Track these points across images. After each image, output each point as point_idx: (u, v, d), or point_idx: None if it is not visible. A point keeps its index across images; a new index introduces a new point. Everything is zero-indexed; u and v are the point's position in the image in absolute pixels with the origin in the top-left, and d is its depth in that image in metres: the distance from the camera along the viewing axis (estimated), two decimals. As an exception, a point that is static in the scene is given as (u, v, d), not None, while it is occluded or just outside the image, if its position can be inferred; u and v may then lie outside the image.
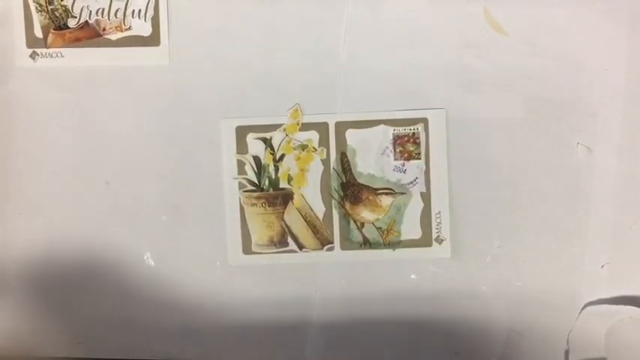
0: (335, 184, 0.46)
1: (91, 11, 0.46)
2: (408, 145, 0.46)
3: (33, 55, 0.46)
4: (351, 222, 0.46)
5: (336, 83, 0.46)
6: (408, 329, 0.46)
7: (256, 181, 0.46)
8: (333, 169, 0.46)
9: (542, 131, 0.46)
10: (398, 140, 0.46)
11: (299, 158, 0.46)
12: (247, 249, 0.46)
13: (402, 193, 0.46)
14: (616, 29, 0.46)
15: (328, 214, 0.46)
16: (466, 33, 0.46)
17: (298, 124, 0.46)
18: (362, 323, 0.46)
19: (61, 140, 0.46)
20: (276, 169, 0.46)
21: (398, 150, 0.46)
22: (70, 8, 0.46)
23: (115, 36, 0.46)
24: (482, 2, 0.46)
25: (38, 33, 0.46)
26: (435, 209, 0.46)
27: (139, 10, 0.46)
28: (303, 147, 0.46)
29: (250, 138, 0.46)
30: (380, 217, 0.46)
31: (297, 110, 0.46)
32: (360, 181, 0.46)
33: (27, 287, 0.47)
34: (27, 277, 0.47)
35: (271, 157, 0.46)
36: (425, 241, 0.46)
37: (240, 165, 0.46)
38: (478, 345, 0.46)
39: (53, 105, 0.46)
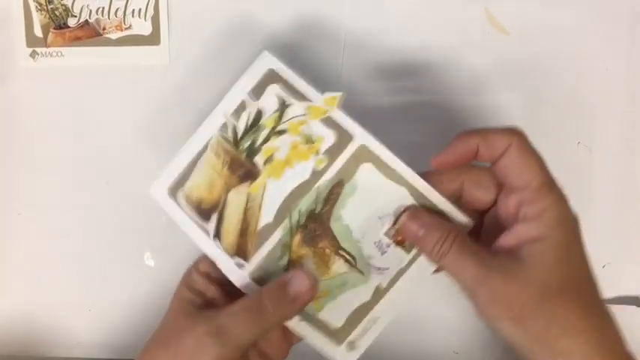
0: (305, 205, 0.37)
1: (91, 10, 0.46)
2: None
3: (33, 55, 0.46)
4: (285, 258, 0.37)
5: (336, 82, 0.46)
6: (409, 329, 0.46)
7: (239, 134, 0.38)
8: (317, 188, 0.37)
9: (542, 131, 0.45)
10: None
11: (294, 147, 0.37)
12: None
13: (361, 273, 0.37)
14: (616, 29, 0.46)
15: (268, 230, 0.37)
16: (467, 32, 0.46)
17: (325, 113, 0.37)
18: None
19: (60, 139, 0.46)
20: (266, 139, 0.37)
21: (397, 229, 0.37)
22: (70, 7, 0.46)
23: (115, 35, 0.46)
24: (484, 1, 0.46)
25: (38, 32, 0.46)
26: (374, 313, 0.37)
27: (139, 9, 0.46)
28: (308, 140, 0.37)
29: (273, 88, 0.38)
30: (322, 280, 0.37)
31: (335, 99, 0.37)
32: (332, 225, 0.37)
33: (26, 287, 0.47)
34: (26, 277, 0.47)
35: (273, 123, 0.38)
36: (339, 336, 0.37)
37: (240, 108, 0.38)
38: (478, 345, 0.46)
39: (53, 104, 0.46)
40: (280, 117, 0.37)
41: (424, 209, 0.35)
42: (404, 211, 0.36)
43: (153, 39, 0.46)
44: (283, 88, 0.37)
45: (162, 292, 0.45)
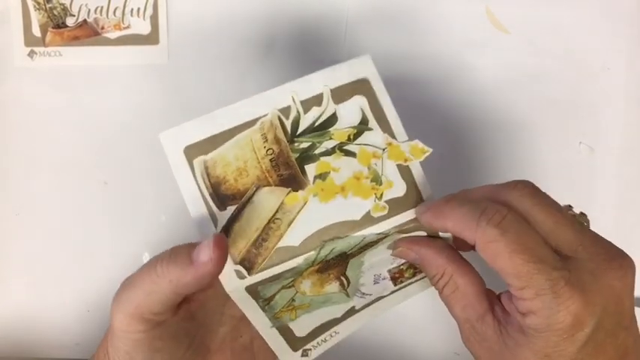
0: (341, 247, 0.31)
1: (89, 10, 0.46)
2: (409, 270, 0.34)
3: (31, 54, 0.46)
4: (291, 280, 0.32)
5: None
6: (409, 329, 0.46)
7: (301, 129, 0.31)
8: (362, 236, 0.31)
9: (544, 130, 0.46)
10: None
11: (357, 178, 0.31)
12: None
13: (347, 295, 0.33)
14: (617, 28, 0.46)
15: (289, 253, 0.31)
16: (468, 31, 0.46)
17: (405, 160, 0.31)
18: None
19: (59, 139, 0.46)
20: (328, 152, 0.31)
21: (393, 264, 0.33)
22: (69, 7, 0.45)
23: (113, 34, 0.46)
24: (485, 1, 0.45)
25: (36, 32, 0.46)
26: (336, 329, 0.34)
27: (138, 9, 0.46)
28: (375, 179, 0.31)
29: (359, 100, 0.31)
30: (309, 295, 0.33)
31: (424, 152, 0.32)
32: (350, 260, 0.32)
33: (24, 288, 0.46)
34: (24, 278, 0.46)
35: (344, 138, 0.31)
36: (298, 343, 0.34)
37: (315, 100, 0.31)
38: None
39: (51, 104, 0.46)
40: (355, 136, 0.31)
41: (423, 238, 0.32)
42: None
43: (152, 38, 0.46)
44: (371, 106, 0.31)
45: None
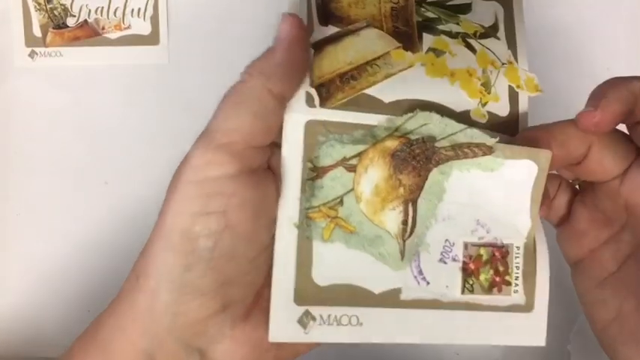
0: (436, 128, 0.26)
1: (90, 10, 0.46)
2: (487, 270, 0.28)
3: (32, 55, 0.46)
4: (359, 148, 0.26)
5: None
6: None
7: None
8: (464, 128, 0.27)
9: (543, 131, 0.45)
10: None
11: (469, 74, 0.28)
12: None
13: (399, 254, 0.27)
14: (618, 29, 0.46)
15: (373, 105, 0.27)
16: (467, 32, 0.46)
17: (518, 86, 0.30)
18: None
19: (59, 140, 0.46)
20: (448, 33, 0.29)
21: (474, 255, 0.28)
22: (69, 7, 0.46)
23: (114, 35, 0.46)
24: (484, 1, 0.46)
25: (37, 32, 0.46)
26: (364, 317, 0.28)
27: (139, 9, 0.46)
28: (487, 85, 0.29)
29: (493, 5, 0.31)
30: (362, 210, 0.26)
31: (535, 84, 0.31)
32: (431, 174, 0.27)
33: (25, 288, 0.46)
34: (25, 278, 0.46)
35: (468, 27, 0.29)
36: (306, 296, 0.26)
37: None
38: (479, 346, 0.46)
39: (52, 104, 0.46)
40: (481, 36, 0.29)
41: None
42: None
43: (152, 39, 0.46)
44: (505, 19, 0.31)
45: (161, 292, 0.45)
